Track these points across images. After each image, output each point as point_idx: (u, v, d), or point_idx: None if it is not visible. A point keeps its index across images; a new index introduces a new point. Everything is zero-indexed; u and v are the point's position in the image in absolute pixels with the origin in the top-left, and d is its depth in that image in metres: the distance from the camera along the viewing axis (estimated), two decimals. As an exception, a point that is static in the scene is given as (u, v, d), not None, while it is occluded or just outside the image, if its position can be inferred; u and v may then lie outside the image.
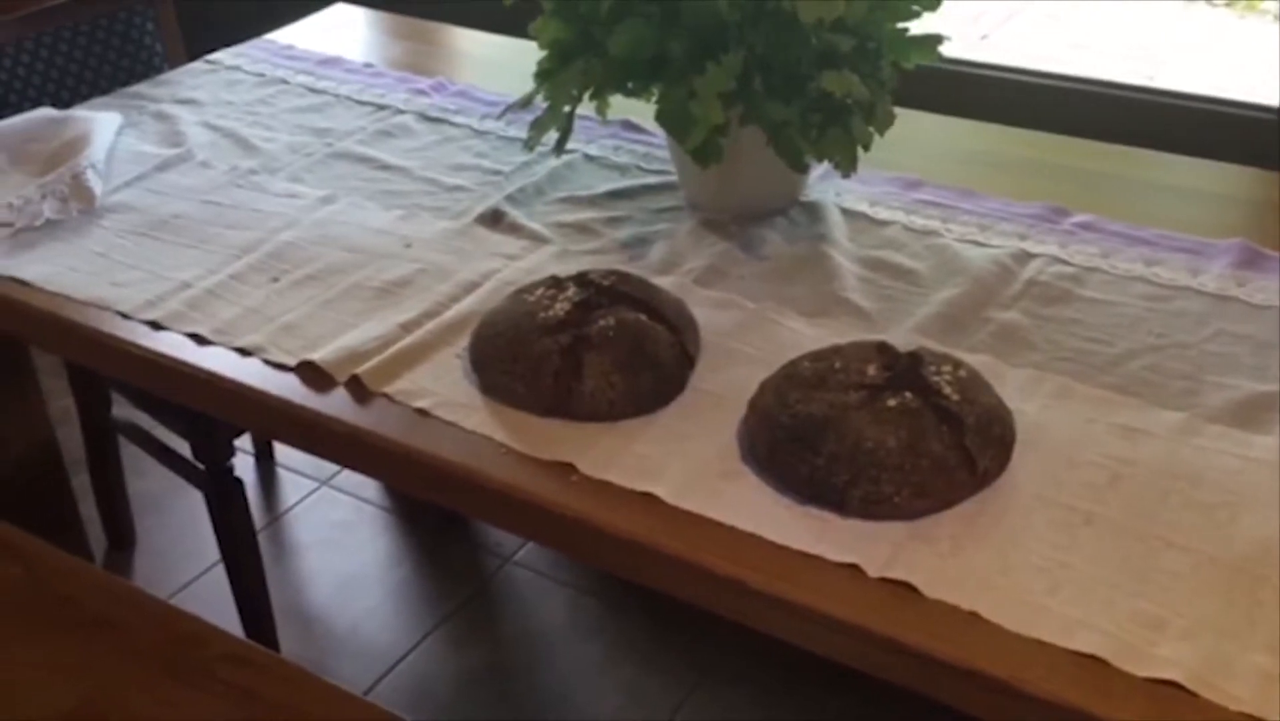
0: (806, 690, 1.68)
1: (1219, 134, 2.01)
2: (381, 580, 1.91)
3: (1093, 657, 0.78)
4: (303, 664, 1.01)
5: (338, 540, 1.99)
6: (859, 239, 1.26)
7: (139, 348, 1.15)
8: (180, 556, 1.95)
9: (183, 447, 1.65)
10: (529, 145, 1.23)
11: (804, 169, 1.18)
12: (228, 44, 1.78)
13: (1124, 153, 1.46)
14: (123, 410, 1.80)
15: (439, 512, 2.03)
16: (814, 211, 1.31)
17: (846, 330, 1.11)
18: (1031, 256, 1.22)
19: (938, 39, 1.20)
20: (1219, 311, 1.13)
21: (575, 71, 1.20)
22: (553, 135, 1.24)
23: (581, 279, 1.08)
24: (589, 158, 1.44)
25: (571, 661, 1.76)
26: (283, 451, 2.17)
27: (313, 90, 1.64)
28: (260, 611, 1.71)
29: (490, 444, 0.99)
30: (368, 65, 1.71)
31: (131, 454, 1.87)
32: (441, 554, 1.96)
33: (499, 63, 1.74)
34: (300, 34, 1.83)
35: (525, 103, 1.25)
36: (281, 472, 2.15)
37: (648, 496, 0.93)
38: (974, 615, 0.82)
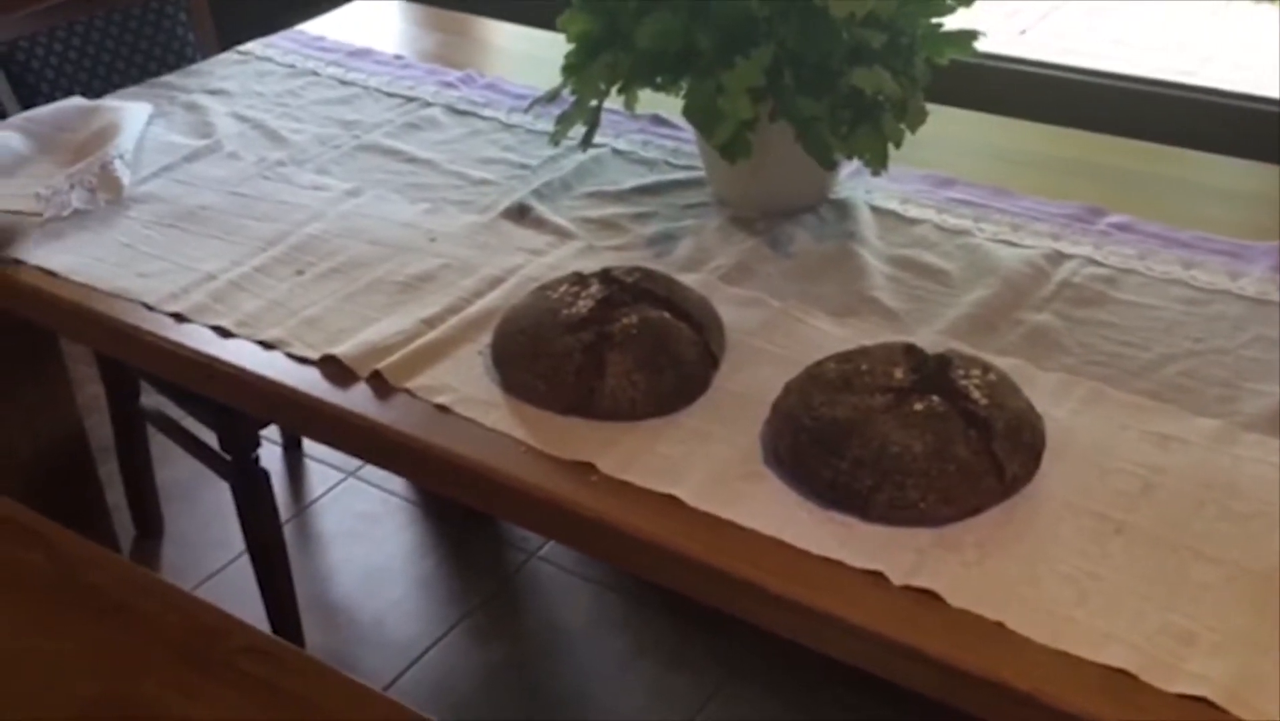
0: (835, 691, 1.66)
1: (1259, 133, 1.97)
2: (406, 573, 1.91)
3: (1121, 672, 0.76)
4: (327, 656, 1.00)
5: (364, 532, 1.99)
6: (888, 237, 1.24)
7: (163, 339, 1.15)
8: (207, 546, 1.96)
9: (210, 437, 1.65)
10: (555, 139, 1.22)
11: (833, 166, 1.16)
12: (260, 35, 1.78)
13: (1160, 151, 1.43)
14: (151, 399, 1.80)
15: (464, 506, 2.01)
16: (843, 209, 1.29)
17: (874, 330, 1.09)
18: (1065, 257, 1.19)
19: (973, 34, 1.18)
20: (1258, 316, 1.10)
21: (602, 65, 1.19)
22: (579, 129, 1.23)
23: (605, 275, 1.07)
24: (617, 152, 1.42)
25: (595, 658, 1.75)
26: (310, 442, 2.17)
27: (342, 82, 1.64)
28: (285, 603, 1.71)
29: (510, 441, 0.98)
30: (398, 57, 1.70)
31: (160, 443, 1.88)
32: (466, 548, 1.96)
33: (529, 56, 1.73)
34: (332, 25, 1.83)
35: (552, 96, 1.24)
36: (309, 463, 2.15)
37: (668, 498, 0.91)
38: (999, 625, 0.80)
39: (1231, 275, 1.16)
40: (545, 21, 1.84)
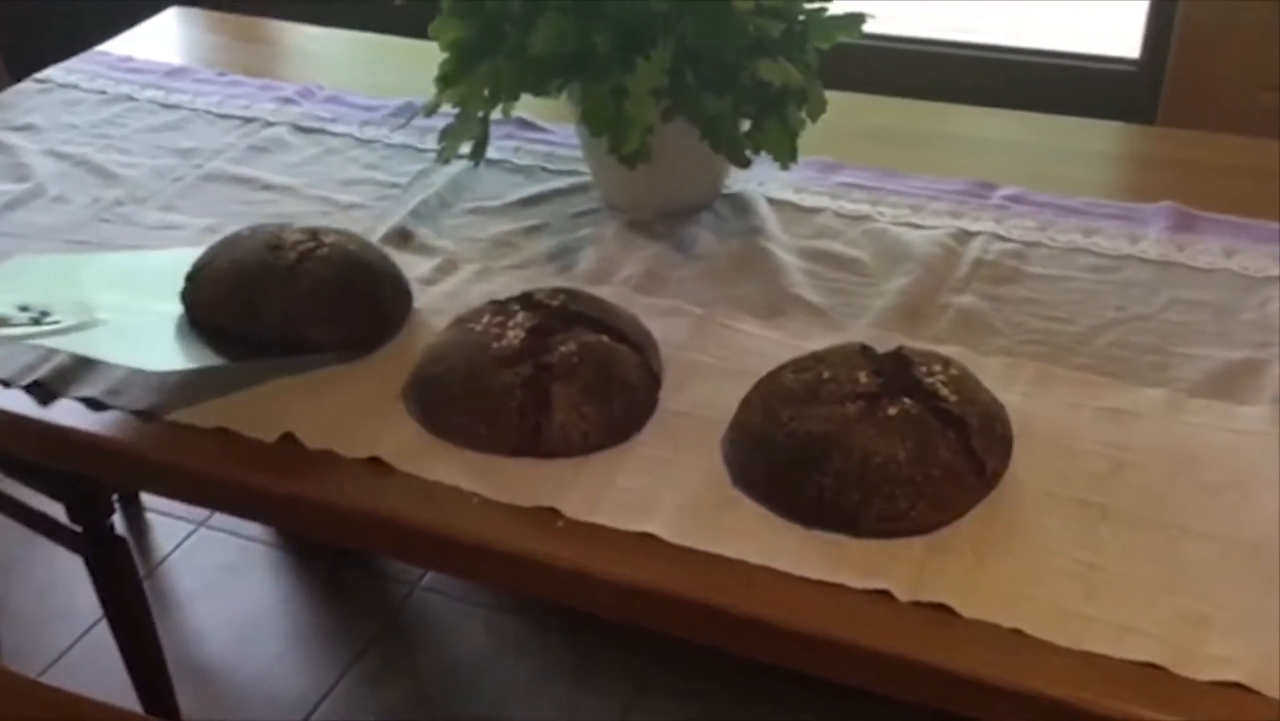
0: (754, 691, 1.64)
1: (1081, 89, 2.04)
2: (282, 623, 1.79)
3: (1149, 666, 0.75)
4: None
5: (226, 585, 1.85)
6: (792, 230, 1.21)
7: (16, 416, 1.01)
8: (48, 622, 1.79)
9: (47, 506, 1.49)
10: (444, 157, 1.13)
11: (746, 163, 1.12)
12: (55, 60, 1.61)
13: (1003, 115, 1.44)
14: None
15: (334, 544, 1.91)
16: (740, 204, 1.25)
17: (805, 330, 1.06)
18: (971, 235, 1.19)
19: (860, 17, 1.16)
20: (1167, 278, 1.12)
21: (484, 73, 1.11)
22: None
23: (527, 300, 1.00)
24: (489, 162, 1.34)
25: (501, 684, 1.67)
26: (149, 495, 2.01)
27: (165, 105, 1.50)
28: (155, 674, 1.57)
29: (456, 494, 0.90)
30: (221, 74, 1.57)
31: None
32: (342, 588, 1.84)
33: (364, 62, 1.64)
34: (136, 43, 1.68)
35: (431, 109, 1.15)
36: (151, 517, 1.99)
37: (644, 536, 0.86)
38: (1017, 632, 0.77)
39: (1131, 239, 1.18)
40: (354, 22, 1.74)
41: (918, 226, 1.21)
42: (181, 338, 1.04)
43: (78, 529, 1.48)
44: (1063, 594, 0.80)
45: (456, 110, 1.13)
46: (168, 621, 1.79)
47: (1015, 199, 1.24)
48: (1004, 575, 0.81)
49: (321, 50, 1.71)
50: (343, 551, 1.89)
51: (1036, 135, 1.41)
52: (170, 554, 1.92)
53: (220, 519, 1.97)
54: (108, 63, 1.61)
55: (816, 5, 1.16)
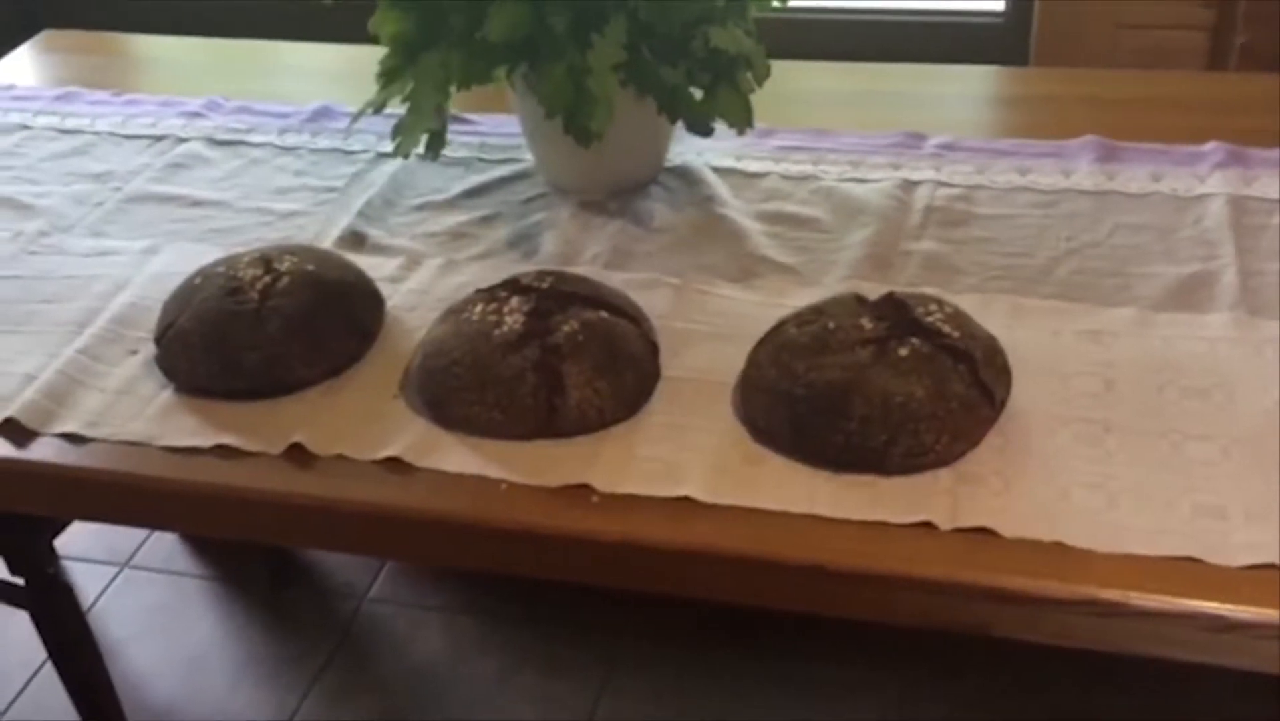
0: (721, 657, 1.66)
1: (955, 44, 2.12)
2: (230, 655, 1.73)
3: (1186, 560, 0.79)
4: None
5: (163, 624, 1.79)
6: (743, 195, 1.23)
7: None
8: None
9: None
10: (400, 152, 1.12)
11: (709, 131, 1.13)
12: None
13: (916, 70, 1.50)
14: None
15: (270, 566, 1.86)
16: (686, 176, 1.27)
17: (782, 289, 1.08)
18: (915, 184, 1.23)
19: (793, -19, 1.18)
20: (1106, 206, 1.18)
21: (432, 65, 1.10)
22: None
23: (516, 286, 1.00)
24: (421, 157, 1.32)
25: (469, 683, 1.66)
26: (63, 540, 1.92)
27: (64, 131, 1.44)
28: (113, 721, 1.51)
29: (484, 483, 0.90)
30: (117, 94, 1.51)
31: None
32: (289, 609, 1.80)
33: (262, 69, 1.59)
34: (13, 70, 1.60)
35: (380, 106, 1.13)
36: (67, 565, 1.90)
37: (682, 500, 0.87)
38: (1058, 545, 0.81)
39: (1064, 174, 1.23)
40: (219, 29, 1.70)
41: (862, 180, 1.24)
42: None
43: (18, 581, 1.42)
44: (1089, 504, 0.84)
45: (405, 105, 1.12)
46: (110, 669, 1.71)
47: (947, 146, 1.29)
48: (1032, 495, 0.85)
49: (207, 60, 1.66)
50: (278, 572, 1.85)
51: (945, 86, 1.46)
52: (97, 599, 1.84)
53: (144, 557, 1.90)
54: (-12, 93, 1.53)
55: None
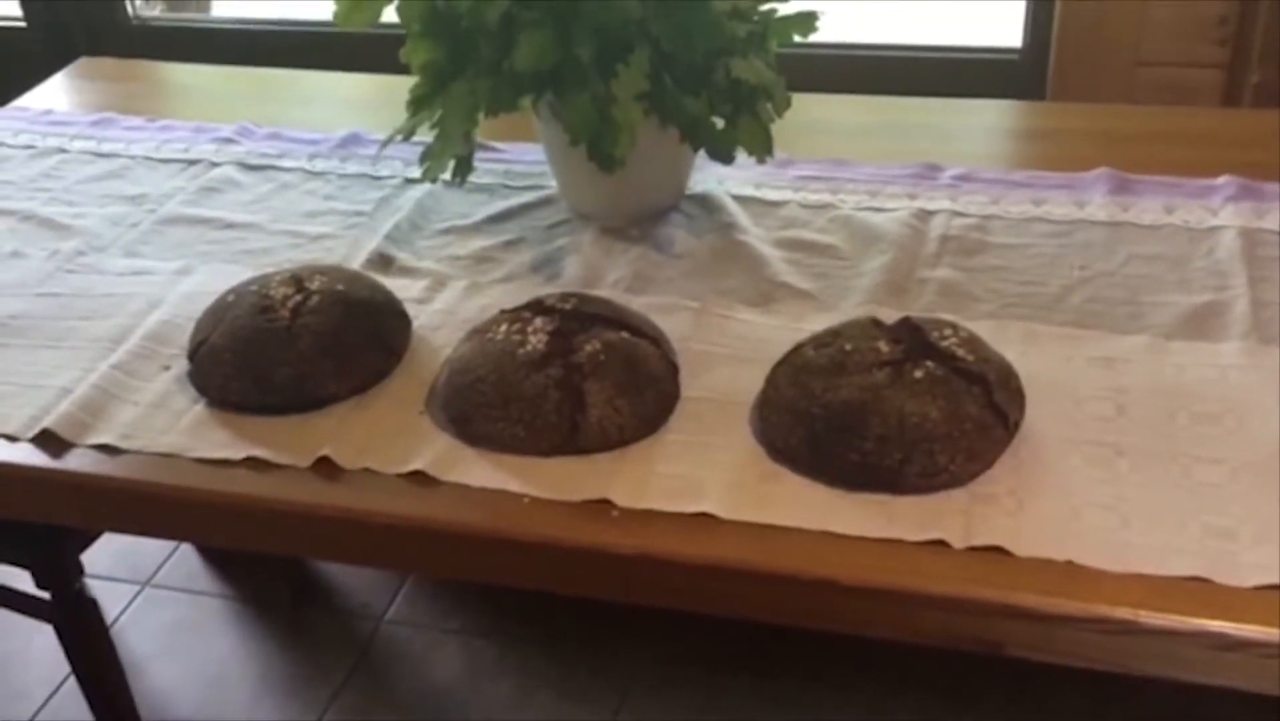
0: (736, 682, 1.67)
1: (974, 79, 2.15)
2: (249, 673, 1.75)
3: (1195, 579, 0.81)
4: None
5: (185, 644, 1.81)
6: (763, 223, 1.26)
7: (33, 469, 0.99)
8: (3, 701, 1.72)
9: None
10: (429, 176, 1.14)
11: (730, 160, 1.16)
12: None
13: (934, 104, 1.52)
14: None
15: (290, 586, 1.88)
16: (706, 203, 1.29)
17: (799, 312, 1.10)
18: (931, 214, 1.25)
19: (813, 15, 1.21)
20: (1119, 237, 1.20)
21: (461, 93, 1.13)
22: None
23: (539, 307, 1.02)
24: (449, 184, 1.35)
25: (485, 706, 1.67)
26: (85, 558, 1.94)
27: (100, 155, 1.47)
28: (134, 738, 1.53)
29: (506, 497, 0.92)
30: (151, 119, 1.55)
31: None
32: (307, 629, 1.82)
33: (293, 98, 1.63)
34: (51, 96, 1.64)
35: (409, 133, 1.16)
36: (90, 582, 1.92)
37: (700, 516, 0.89)
38: (1070, 564, 0.83)
39: (1078, 205, 1.25)
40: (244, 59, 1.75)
41: (879, 210, 1.26)
42: None
43: (44, 595, 1.44)
44: (1101, 525, 0.86)
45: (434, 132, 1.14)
46: (131, 686, 1.74)
47: (963, 177, 1.31)
48: (1045, 515, 0.87)
49: (239, 88, 1.70)
50: (299, 594, 1.87)
51: (961, 119, 1.49)
52: (119, 617, 1.86)
53: (165, 576, 1.93)
54: (28, 118, 1.57)
55: (769, 6, 1.21)
